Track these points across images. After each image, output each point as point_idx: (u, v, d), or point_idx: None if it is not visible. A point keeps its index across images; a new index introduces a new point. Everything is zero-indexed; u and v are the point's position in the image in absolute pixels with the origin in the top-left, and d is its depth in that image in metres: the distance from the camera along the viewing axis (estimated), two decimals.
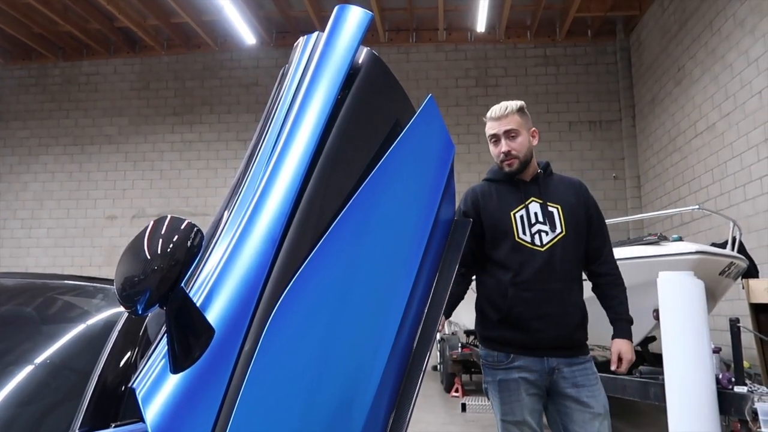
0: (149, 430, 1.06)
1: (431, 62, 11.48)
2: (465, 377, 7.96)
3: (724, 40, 7.49)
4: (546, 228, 2.13)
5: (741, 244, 5.03)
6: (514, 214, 2.16)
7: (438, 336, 8.53)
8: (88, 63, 12.18)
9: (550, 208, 2.16)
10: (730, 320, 3.33)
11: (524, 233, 2.14)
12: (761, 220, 6.57)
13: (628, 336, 2.14)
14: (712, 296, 4.13)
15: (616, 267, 2.26)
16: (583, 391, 2.05)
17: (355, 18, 1.62)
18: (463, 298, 2.30)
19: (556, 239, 2.13)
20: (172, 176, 11.64)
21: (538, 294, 2.09)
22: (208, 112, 11.77)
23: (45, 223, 11.77)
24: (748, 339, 5.12)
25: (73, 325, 1.57)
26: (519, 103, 2.23)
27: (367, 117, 1.57)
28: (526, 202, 2.17)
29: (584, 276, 2.27)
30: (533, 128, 2.25)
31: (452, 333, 8.65)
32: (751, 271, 4.91)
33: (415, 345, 1.54)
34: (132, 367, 1.31)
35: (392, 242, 1.50)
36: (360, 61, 1.60)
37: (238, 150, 11.30)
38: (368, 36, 11.14)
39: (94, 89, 12.13)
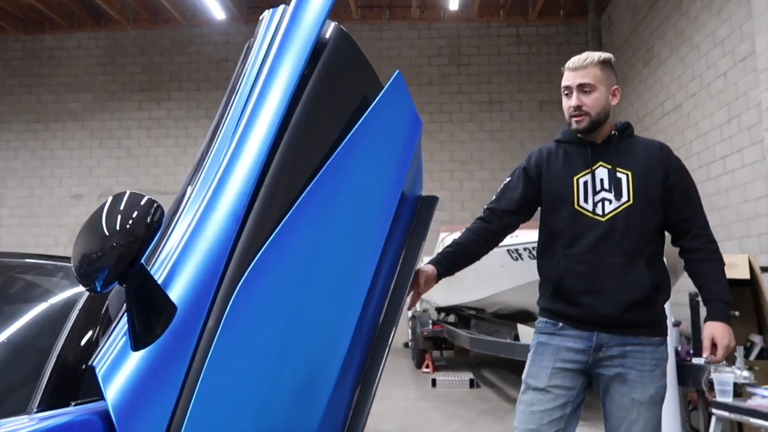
0: (110, 407, 1.05)
1: (404, 40, 11.40)
2: (435, 353, 8.07)
3: (692, 21, 7.59)
4: (611, 196, 1.93)
5: None
6: (578, 180, 1.97)
7: (409, 313, 8.63)
8: (50, 37, 11.77)
9: (618, 174, 1.94)
10: (690, 295, 3.43)
11: (585, 201, 1.95)
12: (722, 199, 6.75)
13: (723, 318, 1.88)
14: (674, 272, 4.23)
15: (711, 240, 1.97)
16: (630, 374, 1.88)
17: None
18: (478, 258, 2.13)
19: (620, 208, 1.92)
20: (140, 154, 11.41)
21: (593, 267, 1.91)
22: (177, 88, 11.52)
23: (8, 203, 11.45)
24: None
25: (32, 304, 1.54)
26: (604, 55, 1.99)
27: (334, 92, 1.55)
28: (593, 167, 1.97)
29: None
30: (615, 86, 2.01)
31: (423, 310, 8.74)
32: None
33: (380, 321, 1.55)
34: (93, 346, 1.29)
35: (358, 218, 1.50)
36: (327, 36, 1.58)
37: (207, 127, 10.85)
38: (340, 12, 10.98)
39: (57, 64, 11.75)
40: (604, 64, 1.98)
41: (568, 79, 1.99)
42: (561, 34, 11.30)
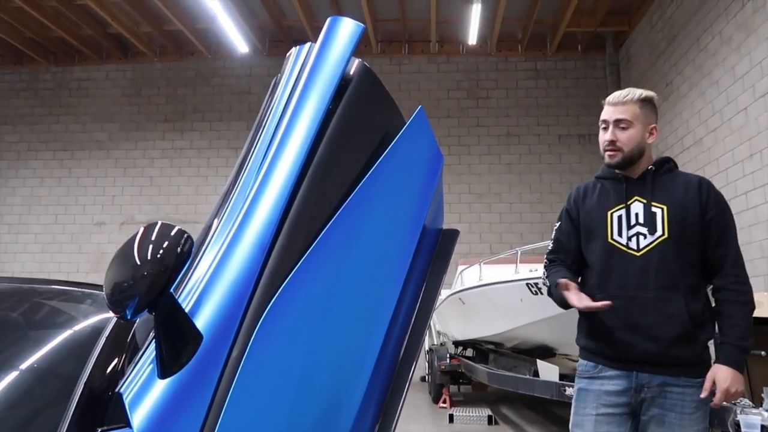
0: None
1: (423, 74, 11.57)
2: (453, 388, 7.95)
3: (710, 57, 7.61)
4: (645, 230, 1.92)
5: None
6: (612, 214, 1.97)
7: (426, 346, 8.54)
8: (79, 68, 12.16)
9: (653, 209, 1.93)
10: (715, 334, 3.36)
11: (620, 235, 1.94)
12: (745, 234, 6.66)
13: (731, 363, 1.82)
14: None
15: (738, 280, 1.90)
16: (668, 416, 1.84)
17: (347, 30, 1.64)
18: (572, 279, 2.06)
19: (654, 243, 1.90)
20: (162, 183, 11.61)
21: (629, 302, 1.89)
22: (200, 119, 11.77)
23: (32, 229, 11.68)
24: None
25: (60, 330, 1.57)
26: (645, 93, 2.00)
27: (358, 127, 1.59)
28: (628, 202, 1.96)
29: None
30: (653, 125, 2.01)
31: (441, 344, 8.65)
32: None
33: (401, 354, 1.55)
34: (119, 373, 1.31)
35: (380, 251, 1.51)
36: (351, 73, 1.62)
37: (229, 158, 11.30)
38: (361, 47, 11.19)
39: (85, 95, 12.10)
40: (644, 101, 1.99)
41: (607, 113, 2.00)
42: (579, 69, 11.38)
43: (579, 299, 1.89)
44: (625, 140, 1.96)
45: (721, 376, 1.80)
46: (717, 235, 1.92)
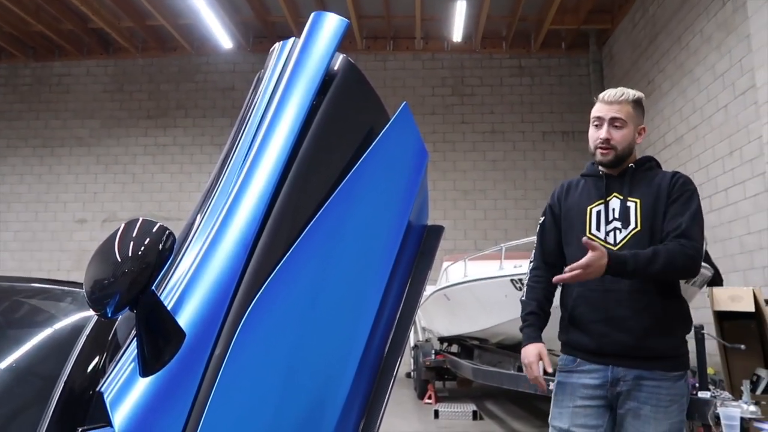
0: None
1: (408, 70, 11.57)
2: (438, 384, 7.98)
3: (691, 55, 7.70)
4: (620, 225, 1.97)
5: (706, 254, 5.15)
6: (591, 209, 2.03)
7: (411, 342, 8.56)
8: (60, 64, 11.97)
9: (628, 203, 1.98)
10: (695, 327, 3.41)
11: (598, 230, 1.99)
12: (725, 230, 6.75)
13: (614, 259, 1.80)
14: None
15: (685, 243, 1.85)
16: (644, 409, 1.86)
17: (331, 25, 1.63)
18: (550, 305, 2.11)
19: (629, 236, 1.95)
20: (145, 180, 11.48)
21: (604, 295, 1.92)
22: (183, 115, 11.66)
23: (12, 227, 11.49)
24: (713, 346, 5.25)
25: (39, 329, 1.54)
26: (638, 94, 2.05)
27: (342, 123, 1.58)
28: (608, 198, 2.02)
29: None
30: (642, 125, 2.07)
31: (426, 340, 8.67)
32: (716, 280, 5.03)
33: (386, 350, 1.55)
34: (100, 372, 1.29)
35: (365, 247, 1.51)
36: (336, 68, 1.61)
37: (212, 154, 11.20)
38: (346, 43, 11.15)
39: (65, 90, 11.92)
40: (636, 102, 2.03)
41: (601, 110, 2.02)
42: (563, 66, 11.46)
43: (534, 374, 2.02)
44: (619, 139, 1.99)
45: (595, 259, 1.78)
46: (676, 209, 1.92)
